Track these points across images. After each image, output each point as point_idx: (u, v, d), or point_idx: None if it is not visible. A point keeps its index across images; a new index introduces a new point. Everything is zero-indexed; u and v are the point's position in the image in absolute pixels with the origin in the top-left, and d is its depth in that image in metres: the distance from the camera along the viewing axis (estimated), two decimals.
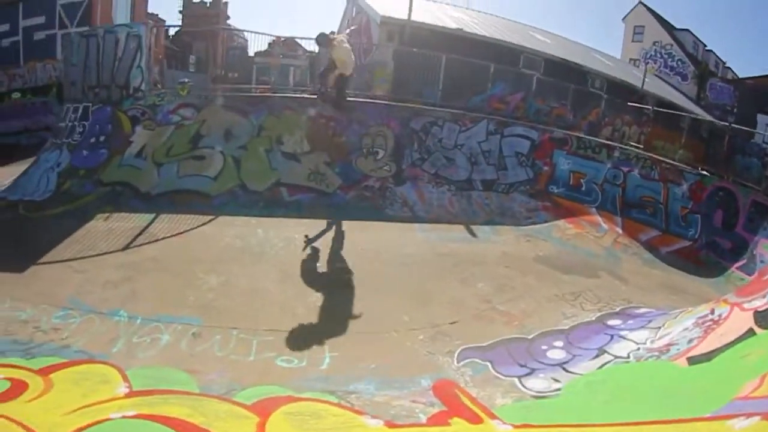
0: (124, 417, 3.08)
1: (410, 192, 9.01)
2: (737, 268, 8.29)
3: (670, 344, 3.54)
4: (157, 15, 31.91)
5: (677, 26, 30.36)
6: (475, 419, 2.88)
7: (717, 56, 31.24)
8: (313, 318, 5.08)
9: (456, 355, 4.29)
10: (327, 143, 9.46)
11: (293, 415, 3.15)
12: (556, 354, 4.13)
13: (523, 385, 3.63)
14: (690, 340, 3.38)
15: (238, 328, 4.76)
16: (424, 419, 3.11)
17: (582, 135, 10.95)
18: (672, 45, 28.83)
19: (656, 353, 3.55)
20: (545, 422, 2.99)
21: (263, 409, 3.18)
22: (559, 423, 2.91)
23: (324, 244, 7.07)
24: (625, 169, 9.95)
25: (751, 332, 2.92)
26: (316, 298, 5.46)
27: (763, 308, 3.11)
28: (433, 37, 14.80)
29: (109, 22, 19.50)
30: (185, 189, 8.74)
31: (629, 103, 15.03)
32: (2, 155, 14.15)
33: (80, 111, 9.96)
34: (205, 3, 37.42)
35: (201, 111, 9.41)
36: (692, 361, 3.11)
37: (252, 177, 9.06)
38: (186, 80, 10.36)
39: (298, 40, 19.43)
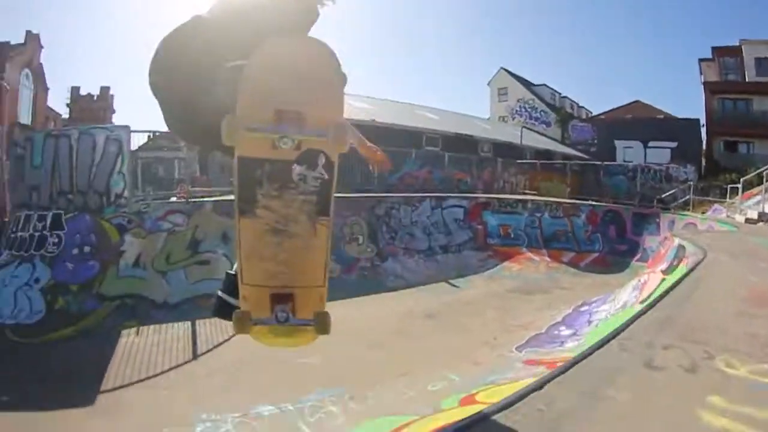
0: None
1: (395, 265, 11.42)
2: (636, 260, 12.17)
3: (625, 304, 6.64)
4: (53, 109, 31.02)
5: (535, 83, 37.18)
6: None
7: (571, 100, 39.00)
8: (421, 356, 6.49)
9: (514, 349, 6.54)
10: None
11: None
12: (566, 331, 6.95)
13: (565, 347, 6.32)
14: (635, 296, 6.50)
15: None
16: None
17: (500, 196, 14.51)
18: (534, 99, 35.44)
19: (619, 310, 6.63)
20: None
21: None
22: None
23: (369, 315, 8.49)
24: (538, 215, 13.68)
25: (663, 280, 6.06)
26: (410, 342, 7.11)
27: (665, 267, 6.36)
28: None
29: (15, 116, 19.93)
30: (203, 294, 8.81)
31: (519, 161, 19.32)
32: None
33: (49, 219, 9.35)
34: (92, 96, 37.18)
35: (191, 216, 9.81)
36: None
37: None
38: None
39: None
